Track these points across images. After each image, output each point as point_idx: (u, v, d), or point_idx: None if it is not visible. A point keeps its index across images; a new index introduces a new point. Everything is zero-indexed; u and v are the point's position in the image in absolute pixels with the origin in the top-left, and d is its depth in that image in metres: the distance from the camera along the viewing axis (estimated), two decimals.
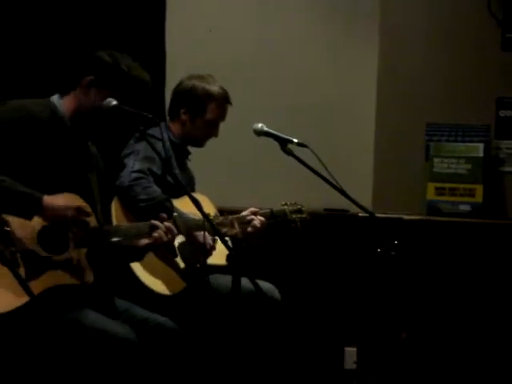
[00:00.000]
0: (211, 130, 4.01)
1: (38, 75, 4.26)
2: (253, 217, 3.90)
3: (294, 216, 4.11)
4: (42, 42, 4.32)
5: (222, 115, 4.01)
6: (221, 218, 3.56)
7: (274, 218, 4.05)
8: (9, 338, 2.93)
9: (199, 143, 4.05)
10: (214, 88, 3.97)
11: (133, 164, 3.72)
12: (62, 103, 3.20)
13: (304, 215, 4.14)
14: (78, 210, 3.00)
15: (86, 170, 3.24)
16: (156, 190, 3.69)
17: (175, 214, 3.33)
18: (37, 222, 2.97)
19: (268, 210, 4.04)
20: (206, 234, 3.59)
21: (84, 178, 3.22)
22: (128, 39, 4.49)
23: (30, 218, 2.93)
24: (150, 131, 3.68)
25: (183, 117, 3.99)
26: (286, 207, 4.11)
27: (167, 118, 4.11)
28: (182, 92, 4.01)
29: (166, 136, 3.91)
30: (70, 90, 3.21)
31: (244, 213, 3.91)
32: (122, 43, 4.35)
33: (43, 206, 2.94)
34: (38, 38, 4.32)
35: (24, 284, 2.28)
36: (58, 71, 4.16)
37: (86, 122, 3.20)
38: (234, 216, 3.81)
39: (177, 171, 3.91)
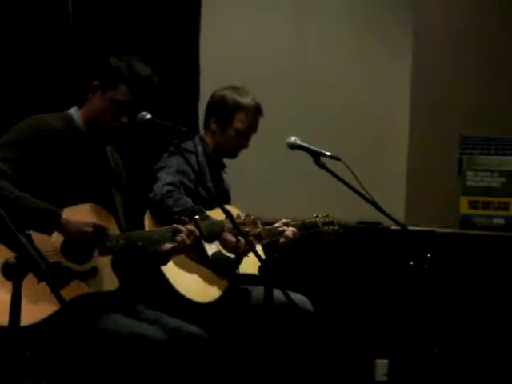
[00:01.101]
0: (241, 140, 4.00)
1: (63, 89, 4.30)
2: (285, 228, 3.91)
3: (326, 228, 4.12)
4: (76, 57, 4.36)
5: (251, 126, 4.01)
6: (243, 218, 3.56)
7: (306, 230, 4.06)
8: (40, 348, 2.95)
9: (230, 154, 4.06)
10: (245, 99, 3.98)
11: (165, 177, 3.76)
12: (79, 114, 3.24)
13: (336, 227, 4.14)
14: (96, 227, 3.03)
15: (107, 178, 3.28)
16: (188, 202, 3.71)
17: (196, 216, 3.34)
18: (58, 234, 3.02)
19: (300, 222, 4.05)
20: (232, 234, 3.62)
21: (105, 187, 3.25)
22: (162, 53, 4.51)
23: (49, 233, 2.98)
24: (184, 145, 3.72)
25: (213, 126, 4.01)
26: (317, 219, 4.11)
27: (202, 130, 4.14)
28: (213, 102, 4.04)
29: (199, 149, 3.93)
30: (85, 99, 3.26)
31: (276, 224, 3.93)
32: (156, 57, 4.36)
33: (61, 223, 2.97)
34: (71, 52, 4.36)
35: (56, 292, 2.31)
36: (79, 85, 4.20)
37: (99, 128, 3.22)
38: (267, 227, 3.82)
39: (210, 184, 3.93)
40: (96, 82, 3.21)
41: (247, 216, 3.61)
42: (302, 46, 5.10)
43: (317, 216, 4.12)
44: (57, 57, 4.30)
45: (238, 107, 3.96)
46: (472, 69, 5.08)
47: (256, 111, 4.00)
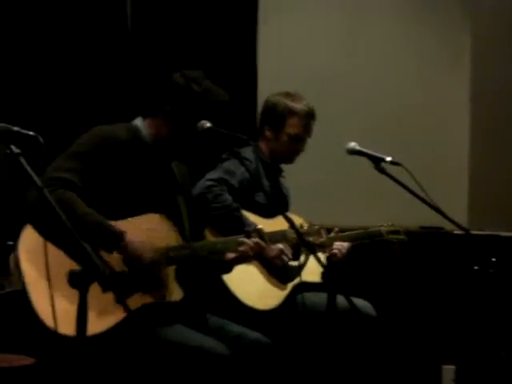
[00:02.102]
0: (295, 145, 3.99)
1: (124, 98, 4.34)
2: (335, 245, 3.88)
3: (390, 237, 4.10)
4: (130, 65, 4.41)
5: (304, 130, 3.98)
6: (306, 228, 3.56)
7: (370, 238, 4.04)
8: (104, 357, 2.99)
9: (286, 159, 4.05)
10: (296, 104, 3.97)
11: (210, 175, 3.79)
12: (145, 126, 3.25)
13: (402, 237, 4.11)
14: (152, 264, 3.04)
15: (172, 190, 3.29)
16: (227, 199, 3.72)
17: (260, 226, 3.35)
18: None
19: (363, 230, 4.04)
20: (284, 245, 3.62)
21: (170, 198, 3.27)
22: (220, 60, 4.55)
23: (110, 252, 3.01)
24: (242, 152, 3.74)
25: (267, 133, 4.02)
26: (382, 228, 4.09)
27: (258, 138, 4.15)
28: (265, 109, 4.05)
29: (253, 156, 3.95)
30: (152, 114, 3.27)
31: (332, 234, 3.90)
32: (214, 64, 4.41)
33: (121, 245, 3.00)
34: (126, 60, 4.42)
35: (122, 300, 2.34)
36: (141, 94, 4.24)
37: (168, 148, 3.25)
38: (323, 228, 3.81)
39: (268, 189, 3.94)
40: (168, 107, 3.22)
41: (311, 225, 3.61)
42: (359, 50, 5.10)
43: (381, 225, 4.10)
44: (116, 66, 4.36)
45: (290, 112, 3.96)
46: None
47: (308, 115, 3.98)
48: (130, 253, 3.00)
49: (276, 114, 3.97)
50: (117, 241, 2.99)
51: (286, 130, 3.97)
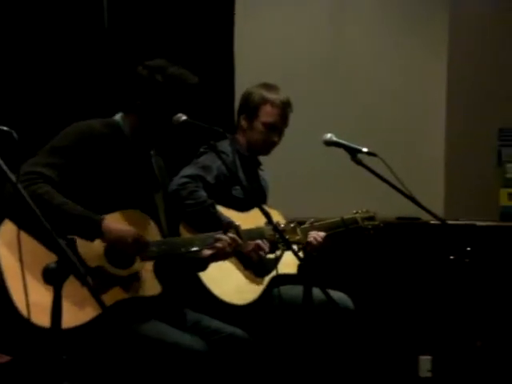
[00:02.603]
0: (269, 134, 3.96)
1: (104, 94, 4.32)
2: (310, 233, 3.88)
3: (366, 223, 4.10)
4: (108, 62, 4.38)
5: (279, 120, 3.97)
6: (282, 225, 3.56)
7: (346, 226, 4.04)
8: (79, 352, 2.97)
9: (262, 150, 4.03)
10: (271, 94, 3.96)
11: (185, 171, 3.78)
12: (126, 121, 3.25)
13: (376, 222, 4.12)
14: (136, 238, 3.04)
15: (150, 184, 3.29)
16: (202, 196, 3.71)
17: (237, 223, 3.34)
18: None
19: (338, 219, 4.04)
20: (263, 241, 3.62)
21: (149, 194, 3.27)
22: (196, 53, 4.53)
23: (91, 240, 3.00)
24: (218, 145, 3.73)
25: (243, 123, 4.01)
26: (357, 215, 4.10)
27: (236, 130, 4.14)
28: (242, 100, 4.05)
29: (229, 149, 3.93)
30: (129, 109, 3.26)
31: (305, 225, 3.91)
32: (190, 57, 4.39)
33: (102, 231, 3.00)
34: (104, 57, 4.39)
35: (97, 297, 2.33)
36: (120, 90, 4.23)
37: (145, 140, 3.25)
38: (299, 226, 3.81)
39: (244, 182, 3.93)
40: (138, 102, 3.21)
41: (287, 223, 3.61)
42: (337, 42, 5.09)
43: (356, 212, 4.10)
44: (94, 62, 4.33)
45: (264, 101, 3.94)
46: (508, 62, 5.03)
47: (283, 105, 3.96)
48: (112, 237, 3.00)
49: (251, 103, 3.97)
50: (97, 228, 2.98)
51: (260, 119, 3.95)
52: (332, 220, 4.01)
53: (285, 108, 3.98)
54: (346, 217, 4.06)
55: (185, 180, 3.71)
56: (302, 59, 4.99)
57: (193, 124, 3.12)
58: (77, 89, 4.29)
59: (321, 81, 5.01)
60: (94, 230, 2.99)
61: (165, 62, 3.26)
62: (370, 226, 4.09)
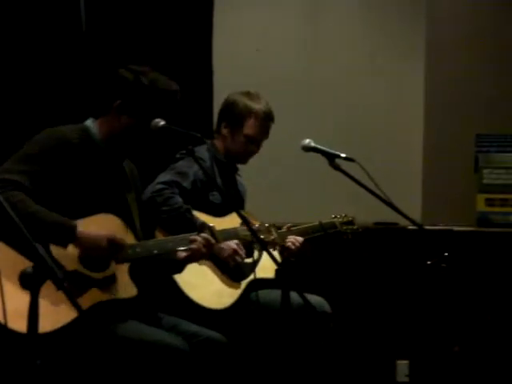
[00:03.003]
0: (250, 146, 3.98)
1: (78, 99, 4.31)
2: (289, 238, 3.89)
3: (344, 228, 4.11)
4: (85, 66, 4.37)
5: (261, 132, 3.98)
6: (257, 225, 3.56)
7: (324, 231, 4.05)
8: (58, 356, 2.96)
9: (240, 159, 4.04)
10: (255, 104, 3.95)
11: (161, 177, 3.78)
12: (96, 127, 3.24)
13: (355, 227, 4.14)
14: (110, 241, 3.04)
15: (123, 189, 3.28)
16: (177, 202, 3.71)
17: (212, 224, 3.35)
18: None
19: (317, 223, 4.05)
20: (237, 244, 3.63)
21: (121, 198, 3.26)
22: (175, 57, 4.53)
23: (64, 246, 3.00)
24: (195, 151, 3.74)
25: (224, 131, 4.00)
26: (335, 219, 4.11)
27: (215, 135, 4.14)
28: (224, 107, 4.03)
29: (207, 155, 3.93)
30: (103, 113, 3.25)
31: (283, 229, 3.91)
32: (168, 61, 4.39)
33: (76, 237, 2.99)
34: (81, 61, 4.38)
35: (73, 301, 2.32)
36: (94, 95, 4.21)
37: (121, 144, 3.25)
38: (279, 231, 3.82)
39: (221, 188, 3.92)
40: (118, 101, 3.20)
41: (261, 224, 3.61)
42: (315, 47, 5.10)
43: (335, 216, 4.12)
44: (70, 66, 4.32)
45: (249, 113, 3.94)
46: (486, 66, 5.07)
47: (267, 117, 3.97)
48: (86, 242, 3.00)
49: (235, 113, 3.95)
50: (70, 234, 2.98)
51: (243, 130, 3.95)
52: (310, 224, 4.03)
53: (268, 121, 3.99)
54: (324, 221, 4.07)
55: (160, 186, 3.71)
56: (280, 65, 4.99)
57: (171, 129, 3.12)
58: (54, 92, 4.27)
59: (299, 87, 5.02)
60: (68, 237, 2.99)
61: (147, 67, 3.26)
62: (348, 231, 4.11)
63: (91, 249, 3.02)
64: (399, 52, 5.15)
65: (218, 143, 4.02)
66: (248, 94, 3.99)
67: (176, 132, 3.11)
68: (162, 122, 3.11)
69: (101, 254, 3.04)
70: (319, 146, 3.41)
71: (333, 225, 4.08)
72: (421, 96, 5.11)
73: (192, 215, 3.71)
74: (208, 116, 4.54)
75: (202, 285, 3.66)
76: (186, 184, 3.78)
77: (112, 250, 3.05)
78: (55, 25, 4.30)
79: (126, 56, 4.40)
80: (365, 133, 5.07)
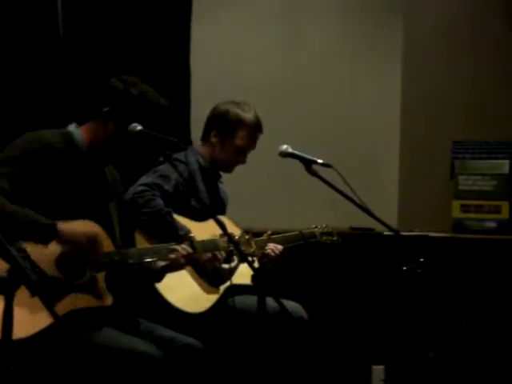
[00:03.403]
0: (239, 156, 4.00)
1: (56, 104, 4.29)
2: (269, 245, 3.91)
3: (324, 238, 4.13)
4: (63, 71, 4.36)
5: (251, 143, 4.01)
6: (237, 237, 3.57)
7: (304, 240, 4.07)
8: (31, 362, 2.95)
9: (226, 168, 4.06)
10: (248, 115, 3.97)
11: (143, 179, 3.78)
12: (80, 132, 3.23)
13: (335, 238, 4.16)
14: (90, 238, 3.04)
15: (104, 196, 3.28)
16: (158, 204, 3.71)
17: (192, 235, 3.35)
18: (54, 248, 3.02)
19: (297, 232, 4.06)
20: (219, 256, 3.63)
21: (102, 205, 3.25)
22: (153, 64, 4.52)
23: (46, 243, 2.98)
24: (176, 155, 3.73)
25: (213, 139, 4.00)
26: (316, 229, 4.13)
27: (200, 141, 4.12)
28: (215, 115, 4.03)
29: (192, 160, 3.94)
30: (87, 119, 3.25)
31: (263, 237, 3.92)
32: (146, 70, 4.38)
33: (57, 231, 2.99)
34: (59, 66, 4.36)
35: (49, 306, 2.31)
36: (75, 100, 4.20)
37: (105, 151, 3.24)
38: (257, 239, 3.82)
39: (205, 195, 3.94)
40: (106, 109, 3.19)
41: (242, 235, 3.62)
42: (293, 52, 5.11)
43: (315, 226, 4.13)
44: (48, 71, 4.30)
45: (241, 123, 3.95)
46: (463, 73, 5.09)
47: (258, 129, 4.00)
48: (67, 237, 2.99)
49: (227, 123, 3.96)
50: (51, 231, 2.97)
51: (234, 141, 3.96)
52: (291, 233, 4.04)
53: (258, 132, 4.02)
54: (304, 231, 4.08)
55: (142, 188, 3.72)
56: (258, 70, 5.00)
57: (148, 134, 3.12)
58: (31, 98, 4.26)
59: (277, 92, 5.03)
60: (48, 233, 2.98)
61: (138, 79, 3.27)
62: (328, 241, 4.13)
63: (71, 244, 3.01)
64: (376, 57, 5.17)
65: (204, 150, 4.03)
66: (239, 104, 4.01)
67: (153, 137, 3.11)
68: (139, 127, 3.12)
69: (80, 250, 3.03)
70: (296, 152, 3.42)
71: (313, 235, 4.11)
72: (398, 102, 5.13)
73: (173, 218, 3.72)
74: (185, 121, 4.54)
75: (180, 288, 3.66)
76: (168, 187, 3.78)
77: (91, 248, 3.04)
78: (32, 30, 4.28)
79: (104, 61, 4.39)
80: (341, 138, 5.08)
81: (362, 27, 5.16)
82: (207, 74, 4.81)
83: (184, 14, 4.72)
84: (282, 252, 3.91)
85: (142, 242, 3.62)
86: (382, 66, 5.18)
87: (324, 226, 4.15)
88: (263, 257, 3.84)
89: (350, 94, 5.15)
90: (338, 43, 5.16)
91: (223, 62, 4.94)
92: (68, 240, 3.01)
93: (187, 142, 4.07)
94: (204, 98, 4.17)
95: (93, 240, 3.05)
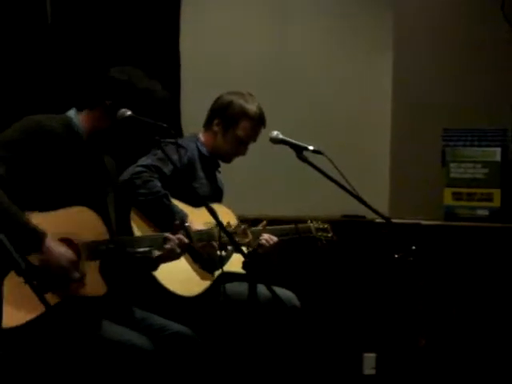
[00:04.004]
0: (240, 147, 4.00)
1: (53, 89, 4.27)
2: (263, 235, 3.90)
3: (319, 234, 4.13)
4: (58, 56, 4.34)
5: (253, 135, 4.01)
6: (233, 227, 3.57)
7: (299, 234, 4.07)
8: (22, 352, 2.94)
9: (226, 159, 4.06)
10: (252, 107, 3.97)
11: (142, 161, 3.77)
12: (80, 119, 3.21)
13: (330, 234, 4.16)
14: (70, 267, 2.99)
15: (101, 183, 3.26)
16: (156, 186, 3.70)
17: (187, 224, 3.34)
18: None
19: (292, 226, 4.06)
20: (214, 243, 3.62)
21: (99, 192, 3.23)
22: (143, 52, 4.50)
23: (28, 253, 2.92)
24: (179, 141, 3.72)
25: (215, 128, 4.00)
26: (311, 224, 4.13)
27: (202, 129, 4.10)
28: (219, 105, 4.02)
29: (193, 146, 3.93)
30: (88, 106, 3.22)
31: (259, 227, 3.92)
32: (136, 56, 4.37)
33: (42, 249, 2.95)
34: (54, 52, 4.34)
35: (41, 296, 2.29)
36: (74, 86, 4.17)
37: (104, 141, 3.23)
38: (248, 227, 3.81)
39: (204, 181, 3.93)
40: (109, 102, 3.17)
41: (238, 225, 3.61)
42: (282, 40, 5.09)
43: (311, 221, 4.13)
44: (37, 58, 4.28)
45: (245, 115, 3.96)
46: (454, 60, 5.08)
47: (259, 121, 4.00)
48: (49, 256, 2.95)
49: (230, 113, 3.96)
50: (38, 243, 2.94)
51: (236, 131, 3.97)
52: (286, 226, 4.04)
53: (261, 125, 4.02)
54: (300, 225, 4.08)
55: (140, 169, 3.71)
56: (247, 60, 4.98)
57: (137, 119, 3.11)
58: (19, 85, 4.24)
59: (266, 82, 5.01)
60: (34, 245, 2.94)
61: (139, 71, 3.25)
62: (322, 237, 4.13)
63: (51, 264, 2.96)
64: (368, 46, 5.16)
65: (205, 138, 4.03)
66: (243, 95, 4.01)
67: (143, 122, 3.10)
68: (129, 112, 3.10)
69: (57, 272, 2.98)
70: (287, 139, 3.41)
71: (308, 229, 4.11)
72: (389, 90, 5.12)
73: (170, 201, 3.71)
74: (175, 109, 4.52)
75: (173, 271, 3.65)
76: (167, 170, 3.77)
77: (69, 273, 3.00)
78: (20, 17, 4.26)
79: (93, 49, 4.37)
80: (332, 126, 5.07)
81: (352, 15, 5.14)
82: (197, 63, 4.79)
83: (173, 3, 4.70)
84: (277, 243, 3.91)
85: (137, 222, 3.62)
86: (373, 54, 5.16)
87: (319, 221, 4.15)
88: (258, 247, 3.84)
89: (341, 82, 5.13)
90: (327, 31, 5.14)
91: (212, 50, 4.92)
92: (49, 260, 2.96)
93: (177, 129, 4.05)
94: (193, 86, 4.15)
95: (74, 264, 3.00)
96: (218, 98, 4.05)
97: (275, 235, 3.94)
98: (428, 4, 5.12)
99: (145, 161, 3.77)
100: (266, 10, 5.08)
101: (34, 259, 2.96)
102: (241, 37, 5.01)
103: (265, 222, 3.92)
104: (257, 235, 3.85)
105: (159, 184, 3.71)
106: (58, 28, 4.36)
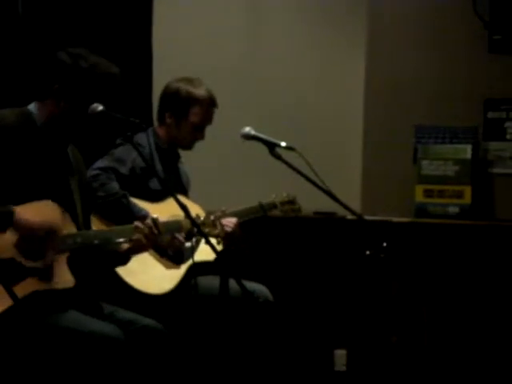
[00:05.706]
0: (196, 133, 4.00)
1: (19, 83, 4.24)
2: (222, 221, 3.88)
3: (286, 207, 4.13)
4: (28, 47, 4.30)
5: (206, 118, 4.00)
6: (202, 219, 3.56)
7: (264, 211, 4.07)
8: None
9: (186, 146, 4.05)
10: (199, 91, 3.96)
11: (99, 163, 3.76)
12: (38, 109, 3.19)
13: (297, 206, 4.16)
14: (48, 231, 3.00)
15: (65, 174, 3.23)
16: (114, 187, 3.71)
17: (155, 215, 3.32)
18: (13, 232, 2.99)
19: (256, 204, 4.05)
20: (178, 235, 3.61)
21: (63, 183, 3.21)
22: (114, 44, 4.47)
23: (3, 230, 2.95)
24: (135, 137, 3.70)
25: (168, 120, 3.99)
26: (276, 199, 4.13)
27: (156, 122, 4.11)
28: (166, 95, 4.02)
29: (150, 140, 3.92)
30: (43, 96, 3.19)
31: (216, 213, 3.89)
32: (108, 49, 4.32)
33: (14, 222, 2.95)
34: (20, 43, 4.31)
35: (8, 288, 2.28)
36: (31, 78, 4.15)
37: (59, 128, 3.19)
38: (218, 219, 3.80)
39: (162, 174, 3.91)
40: (56, 86, 3.14)
41: (207, 217, 3.59)
42: (255, 35, 5.09)
43: (276, 196, 4.13)
44: (6, 49, 4.25)
45: (193, 101, 3.95)
46: (426, 58, 5.09)
47: (211, 103, 3.99)
48: (24, 229, 2.96)
49: (179, 102, 3.96)
50: (8, 219, 2.93)
51: (189, 119, 3.96)
52: (250, 206, 4.03)
53: (212, 107, 4.01)
54: (263, 202, 4.08)
55: (96, 172, 3.71)
56: (219, 52, 4.97)
57: (109, 115, 3.09)
58: None
59: (238, 77, 5.01)
60: (5, 221, 2.94)
61: (85, 50, 3.21)
62: (290, 210, 4.12)
63: (27, 236, 2.97)
64: (340, 43, 5.16)
65: (161, 131, 4.02)
66: (189, 81, 3.99)
67: (114, 118, 3.08)
68: (101, 107, 3.08)
69: (36, 242, 2.99)
70: (259, 135, 3.40)
71: (273, 205, 4.11)
72: (361, 87, 5.12)
73: (129, 201, 3.70)
74: (147, 102, 4.50)
75: (142, 271, 3.64)
76: (124, 170, 3.77)
77: (48, 239, 3.00)
78: None
79: (64, 40, 4.33)
80: (304, 123, 5.07)
81: (325, 13, 5.14)
82: (169, 54, 4.78)
83: None
84: (237, 225, 3.88)
85: (98, 226, 3.60)
86: (346, 51, 5.17)
87: (285, 194, 4.14)
88: (226, 236, 3.82)
89: (312, 79, 5.13)
90: (301, 28, 5.14)
91: (185, 41, 4.91)
92: (24, 232, 2.97)
93: (149, 122, 4.04)
94: (166, 77, 4.12)
95: (50, 232, 3.01)
96: (165, 87, 4.04)
97: (241, 217, 3.93)
98: (402, 2, 5.12)
99: (101, 163, 3.77)
100: (240, 4, 5.07)
101: (11, 236, 2.96)
102: (214, 29, 5.00)
103: (223, 208, 3.90)
104: (223, 229, 3.83)
105: (117, 185, 3.72)
106: (29, 18, 4.32)
